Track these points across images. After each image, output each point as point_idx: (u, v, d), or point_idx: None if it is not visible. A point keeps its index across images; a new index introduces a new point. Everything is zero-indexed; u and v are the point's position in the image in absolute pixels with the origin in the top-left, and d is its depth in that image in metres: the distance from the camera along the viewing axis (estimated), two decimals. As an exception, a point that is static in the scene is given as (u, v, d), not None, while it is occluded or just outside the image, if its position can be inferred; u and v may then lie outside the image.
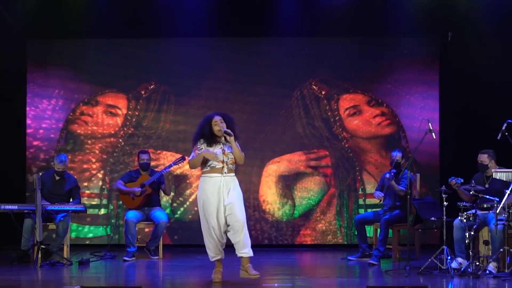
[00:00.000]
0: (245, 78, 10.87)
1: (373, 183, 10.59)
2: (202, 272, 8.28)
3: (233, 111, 10.77)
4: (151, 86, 10.90)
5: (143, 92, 10.91)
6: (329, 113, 10.84)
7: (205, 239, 7.42)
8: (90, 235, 10.79)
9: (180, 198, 10.80)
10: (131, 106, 10.90)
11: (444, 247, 7.94)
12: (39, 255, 8.56)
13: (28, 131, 10.80)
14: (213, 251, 7.42)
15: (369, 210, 10.11)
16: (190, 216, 10.79)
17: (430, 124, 8.27)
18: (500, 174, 8.10)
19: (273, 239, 10.71)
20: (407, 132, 10.73)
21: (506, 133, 8.03)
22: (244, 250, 7.32)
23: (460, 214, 7.95)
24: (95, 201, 10.79)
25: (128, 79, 10.90)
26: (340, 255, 9.55)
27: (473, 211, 7.90)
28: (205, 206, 7.33)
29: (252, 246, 7.40)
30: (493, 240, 7.88)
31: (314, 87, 10.86)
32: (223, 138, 7.43)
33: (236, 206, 7.28)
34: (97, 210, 10.79)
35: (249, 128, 10.67)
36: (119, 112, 10.90)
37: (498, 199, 7.81)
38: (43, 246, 8.61)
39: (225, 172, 7.35)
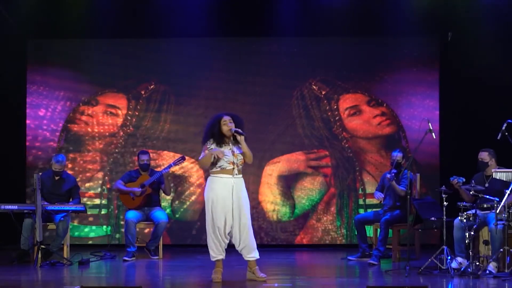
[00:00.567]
0: (245, 78, 10.87)
1: (373, 183, 10.59)
2: (202, 272, 8.29)
3: (233, 111, 10.74)
4: (151, 86, 10.90)
5: (143, 92, 10.91)
6: (329, 113, 10.84)
7: (209, 238, 7.43)
8: (91, 235, 10.79)
9: (181, 198, 10.80)
10: (131, 106, 10.90)
11: (444, 247, 7.94)
12: (39, 255, 8.56)
13: (28, 131, 10.80)
14: (216, 251, 7.43)
15: (369, 210, 10.11)
16: (190, 216, 10.79)
17: (430, 124, 8.27)
18: (500, 174, 8.10)
19: (273, 239, 10.71)
20: (407, 132, 10.73)
21: (506, 133, 8.03)
22: (252, 254, 7.43)
23: (460, 214, 7.95)
24: (95, 201, 10.79)
25: (128, 79, 10.90)
26: (340, 255, 9.55)
27: (473, 211, 7.90)
28: (213, 206, 7.33)
29: (253, 246, 7.45)
30: (493, 240, 7.88)
31: (314, 87, 10.86)
32: (231, 139, 7.41)
33: (245, 209, 7.36)
34: (97, 210, 10.79)
35: (249, 128, 10.61)
36: (119, 112, 10.90)
37: (498, 199, 7.82)
38: (43, 246, 8.61)
39: (236, 174, 7.39)
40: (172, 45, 10.95)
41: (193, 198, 10.79)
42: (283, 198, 10.77)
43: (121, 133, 10.87)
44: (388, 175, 9.10)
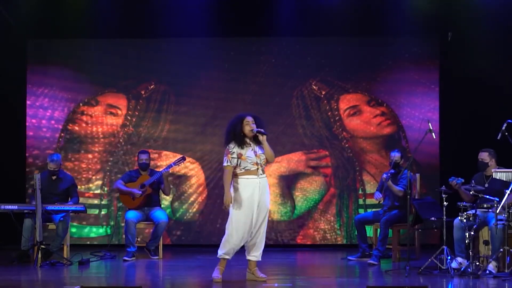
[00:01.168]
0: (245, 78, 10.87)
1: (373, 183, 10.59)
2: (202, 272, 8.29)
3: (232, 111, 10.78)
4: (151, 86, 10.90)
5: (143, 92, 10.91)
6: (329, 113, 10.84)
7: (227, 237, 7.38)
8: (91, 235, 10.79)
9: (181, 199, 10.80)
10: (131, 106, 10.90)
11: (444, 247, 7.94)
12: (39, 255, 8.56)
13: (28, 131, 10.80)
14: (227, 251, 7.39)
15: (369, 210, 10.11)
16: (190, 216, 10.79)
17: (430, 124, 8.27)
18: (500, 174, 8.10)
19: (273, 239, 10.70)
20: (407, 132, 10.73)
21: (506, 133, 8.03)
22: (256, 253, 7.45)
23: (460, 214, 7.95)
24: (95, 201, 10.79)
25: (128, 79, 10.90)
26: (340, 255, 9.55)
27: (473, 211, 7.90)
28: (239, 208, 7.32)
29: (252, 246, 7.46)
30: (493, 240, 7.88)
31: (314, 87, 10.86)
32: (252, 139, 7.42)
33: (267, 208, 7.48)
34: (97, 210, 10.79)
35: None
36: (119, 112, 10.90)
37: (498, 199, 7.82)
38: (43, 246, 8.61)
39: (260, 174, 7.43)
40: (172, 45, 10.95)
41: (193, 198, 10.79)
42: (283, 198, 10.77)
43: (121, 133, 10.87)
44: (385, 175, 9.10)
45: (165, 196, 10.18)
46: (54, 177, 9.25)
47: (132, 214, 9.30)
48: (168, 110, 10.88)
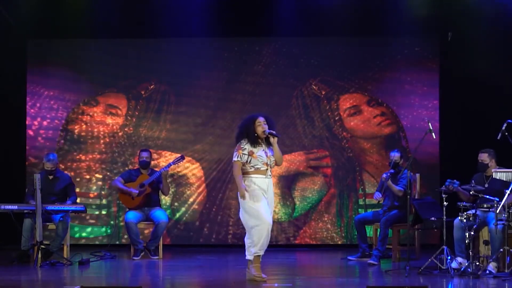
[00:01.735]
0: (245, 78, 10.87)
1: (373, 183, 10.59)
2: (202, 272, 8.29)
3: (232, 111, 10.80)
4: (151, 86, 10.90)
5: (143, 92, 10.91)
6: (329, 113, 10.84)
7: (250, 235, 7.38)
8: (91, 235, 10.79)
9: (181, 199, 10.80)
10: (131, 106, 10.90)
11: (444, 247, 7.94)
12: (39, 255, 8.56)
13: (28, 131, 10.80)
14: (260, 246, 7.36)
15: (369, 210, 10.10)
16: (190, 216, 10.79)
17: (430, 124, 8.27)
18: (500, 174, 8.10)
19: (273, 239, 10.69)
20: (407, 132, 10.73)
21: (506, 133, 8.03)
22: (262, 251, 7.42)
23: (460, 214, 7.95)
24: (95, 201, 10.79)
25: (128, 79, 10.90)
26: (340, 255, 9.55)
27: (473, 211, 7.90)
28: (251, 203, 7.33)
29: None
30: (493, 240, 7.88)
31: (314, 87, 10.86)
32: (264, 140, 7.43)
33: (272, 209, 7.51)
34: (97, 210, 10.79)
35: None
36: (119, 112, 10.90)
37: (498, 199, 7.82)
38: (43, 246, 8.61)
39: (269, 175, 7.46)
40: (172, 45, 10.95)
41: (193, 198, 10.79)
42: (283, 198, 10.77)
43: (121, 133, 10.87)
44: (384, 175, 9.11)
45: (164, 196, 10.19)
46: (51, 177, 9.24)
47: (131, 215, 9.30)
48: (168, 110, 10.89)
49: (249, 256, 7.47)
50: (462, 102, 10.42)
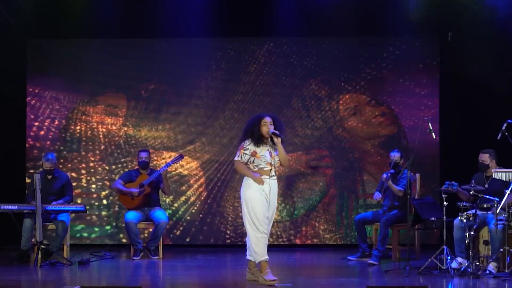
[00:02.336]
0: (245, 78, 10.87)
1: (373, 183, 10.58)
2: (202, 272, 8.28)
3: (232, 111, 10.81)
4: (151, 86, 10.90)
5: (143, 92, 10.91)
6: (329, 113, 10.84)
7: (251, 239, 7.34)
8: (91, 235, 10.79)
9: (181, 199, 10.80)
10: (131, 106, 10.90)
11: (444, 247, 7.95)
12: (39, 255, 8.56)
13: (28, 131, 10.80)
14: (262, 251, 7.33)
15: (369, 210, 10.10)
16: (190, 216, 10.78)
17: (430, 124, 8.27)
18: (500, 174, 8.11)
19: (274, 239, 10.70)
20: (407, 132, 10.73)
21: (506, 133, 8.03)
22: (265, 256, 7.37)
23: (460, 214, 7.95)
24: (95, 202, 10.79)
25: (128, 79, 10.90)
26: (340, 255, 9.55)
27: (473, 211, 7.90)
28: (253, 206, 7.29)
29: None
30: (493, 240, 7.88)
31: (314, 87, 10.86)
32: (269, 140, 7.41)
33: (274, 212, 7.47)
34: (97, 210, 10.79)
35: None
36: (119, 112, 10.90)
37: (498, 199, 7.82)
38: (43, 246, 8.61)
39: (272, 175, 7.41)
40: (172, 45, 10.94)
41: (193, 198, 10.79)
42: (283, 198, 10.77)
43: (121, 133, 10.87)
44: (384, 175, 9.11)
45: (165, 196, 10.19)
46: (49, 176, 9.24)
47: (131, 215, 9.30)
48: (168, 110, 10.88)
49: (249, 256, 7.46)
50: (462, 102, 10.42)
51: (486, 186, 8.21)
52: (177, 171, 10.73)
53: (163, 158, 10.73)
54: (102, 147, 10.85)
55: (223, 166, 10.76)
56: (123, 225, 9.74)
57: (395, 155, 9.18)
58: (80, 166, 10.81)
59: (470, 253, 7.79)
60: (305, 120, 10.83)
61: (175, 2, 10.30)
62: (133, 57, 10.89)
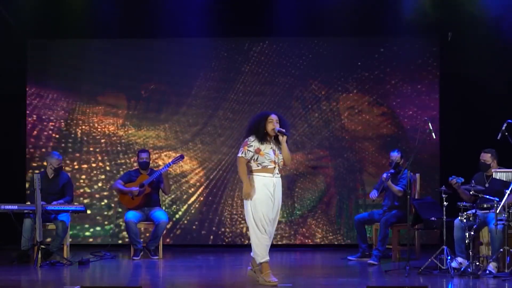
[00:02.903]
0: (245, 78, 10.87)
1: (373, 183, 10.56)
2: (202, 272, 8.28)
3: (232, 111, 10.81)
4: (151, 86, 10.90)
5: (143, 92, 10.91)
6: (329, 113, 10.84)
7: (254, 239, 7.29)
8: (91, 235, 10.78)
9: (181, 198, 10.80)
10: (131, 106, 10.90)
11: (444, 247, 7.95)
12: (39, 255, 8.56)
13: (28, 131, 10.80)
14: (263, 252, 7.27)
15: (369, 210, 10.10)
16: (190, 216, 10.78)
17: (430, 124, 8.27)
18: (500, 174, 8.10)
19: (274, 239, 10.68)
20: (407, 132, 10.73)
21: (506, 133, 8.03)
22: (267, 257, 7.32)
23: (460, 214, 7.95)
24: (95, 202, 10.79)
25: (128, 79, 10.90)
26: (340, 255, 9.55)
27: (473, 211, 7.90)
28: (256, 205, 7.23)
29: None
30: (493, 240, 7.88)
31: (314, 87, 10.86)
32: (273, 138, 7.37)
33: (279, 209, 7.41)
34: (97, 210, 10.78)
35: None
36: (119, 112, 10.90)
37: (498, 199, 7.82)
38: (43, 246, 8.61)
39: (276, 173, 7.34)
40: (172, 45, 10.94)
41: (193, 198, 10.79)
42: (283, 198, 10.72)
43: (121, 133, 10.87)
44: (384, 175, 9.11)
45: (165, 196, 10.18)
46: (51, 176, 9.24)
47: (131, 215, 9.30)
48: (168, 110, 10.88)
49: (253, 253, 7.42)
50: (462, 102, 10.41)
51: (487, 186, 8.21)
52: (176, 171, 10.73)
53: (163, 158, 10.73)
54: (102, 147, 10.84)
55: (224, 165, 10.75)
56: (123, 225, 9.73)
57: (396, 155, 9.18)
58: (80, 166, 10.81)
59: (470, 253, 7.78)
60: (305, 120, 10.82)
61: (175, 2, 10.30)
62: (133, 57, 10.89)
